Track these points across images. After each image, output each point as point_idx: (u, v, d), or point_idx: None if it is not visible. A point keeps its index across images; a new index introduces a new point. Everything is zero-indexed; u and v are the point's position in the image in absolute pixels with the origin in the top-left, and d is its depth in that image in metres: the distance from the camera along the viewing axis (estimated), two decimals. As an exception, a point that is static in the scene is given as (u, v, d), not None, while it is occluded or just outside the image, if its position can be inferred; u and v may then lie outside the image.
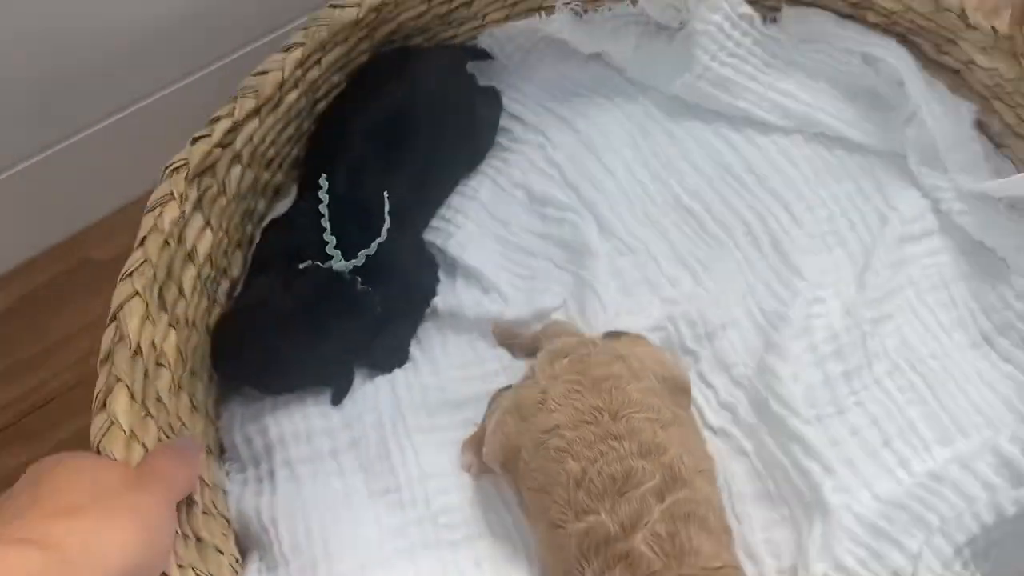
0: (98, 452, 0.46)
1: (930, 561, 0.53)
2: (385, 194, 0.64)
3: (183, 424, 0.56)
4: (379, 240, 0.62)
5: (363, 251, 0.62)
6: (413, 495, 0.59)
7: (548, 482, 0.51)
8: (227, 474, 0.61)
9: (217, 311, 0.64)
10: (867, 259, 0.67)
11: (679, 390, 0.57)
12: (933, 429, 0.60)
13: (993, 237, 0.67)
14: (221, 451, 0.63)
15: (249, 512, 0.58)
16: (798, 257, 0.67)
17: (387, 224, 0.63)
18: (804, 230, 0.69)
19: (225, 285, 0.66)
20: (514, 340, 0.66)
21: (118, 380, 0.50)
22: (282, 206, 0.71)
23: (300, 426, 0.61)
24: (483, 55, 0.80)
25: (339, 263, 0.61)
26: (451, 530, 0.58)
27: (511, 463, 0.54)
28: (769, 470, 0.59)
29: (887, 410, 0.61)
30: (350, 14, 0.70)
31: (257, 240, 0.68)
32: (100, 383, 0.50)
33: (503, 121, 0.77)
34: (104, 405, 0.49)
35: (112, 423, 0.48)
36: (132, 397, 0.50)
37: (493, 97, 0.76)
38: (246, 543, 0.59)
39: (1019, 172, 0.69)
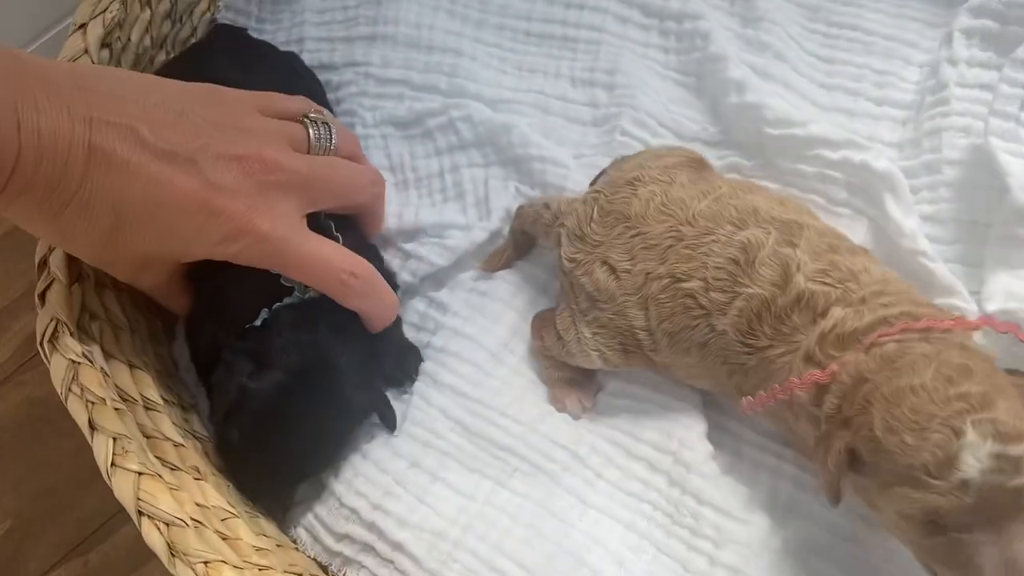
0: None
1: None
2: None
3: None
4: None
5: None
6: (535, 450, 0.52)
7: (679, 320, 0.46)
8: None
9: (208, 446, 0.51)
10: None
11: (699, 164, 0.52)
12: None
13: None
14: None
15: None
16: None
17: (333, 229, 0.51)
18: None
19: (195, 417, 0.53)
20: (504, 254, 0.58)
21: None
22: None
23: (383, 480, 0.51)
24: (238, 31, 0.68)
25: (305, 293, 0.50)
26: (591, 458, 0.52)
27: (631, 347, 0.49)
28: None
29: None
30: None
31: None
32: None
33: (320, 76, 0.66)
34: None
35: None
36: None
37: (295, 57, 0.66)
38: None
39: None
